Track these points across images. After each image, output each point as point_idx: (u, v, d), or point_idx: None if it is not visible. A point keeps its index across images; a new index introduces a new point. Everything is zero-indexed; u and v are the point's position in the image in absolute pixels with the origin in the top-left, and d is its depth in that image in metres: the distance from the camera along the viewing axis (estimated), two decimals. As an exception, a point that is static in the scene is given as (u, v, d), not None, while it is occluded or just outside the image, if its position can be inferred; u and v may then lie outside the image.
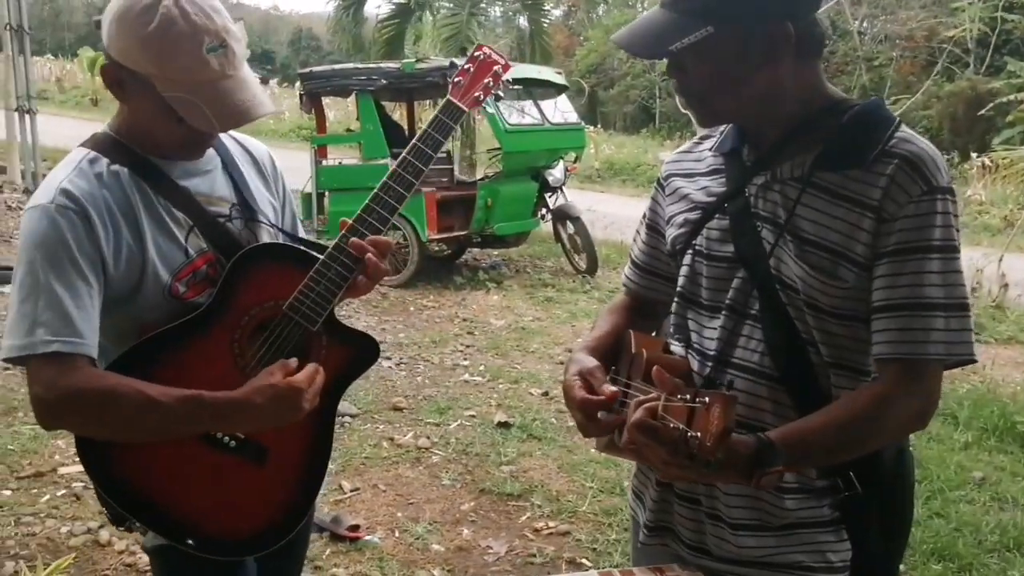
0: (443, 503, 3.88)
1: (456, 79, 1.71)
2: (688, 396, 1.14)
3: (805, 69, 1.37)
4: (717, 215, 1.46)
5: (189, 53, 1.43)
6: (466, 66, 1.71)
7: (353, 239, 1.61)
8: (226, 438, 1.60)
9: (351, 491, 3.92)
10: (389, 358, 5.93)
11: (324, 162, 8.79)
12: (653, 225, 1.64)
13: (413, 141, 1.65)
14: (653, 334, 1.67)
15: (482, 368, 5.86)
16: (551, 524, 3.71)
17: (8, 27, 10.40)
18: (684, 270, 1.52)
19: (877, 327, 1.31)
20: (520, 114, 8.64)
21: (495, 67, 1.71)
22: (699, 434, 1.10)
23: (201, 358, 1.57)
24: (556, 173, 8.78)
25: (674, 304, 1.56)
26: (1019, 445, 4.80)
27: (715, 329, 1.45)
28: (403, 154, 1.65)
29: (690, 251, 1.50)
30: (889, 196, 1.29)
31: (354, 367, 1.71)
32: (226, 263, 1.60)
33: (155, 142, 1.56)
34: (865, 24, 25.21)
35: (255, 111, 1.51)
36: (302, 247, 1.71)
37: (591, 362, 1.47)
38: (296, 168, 10.50)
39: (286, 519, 1.69)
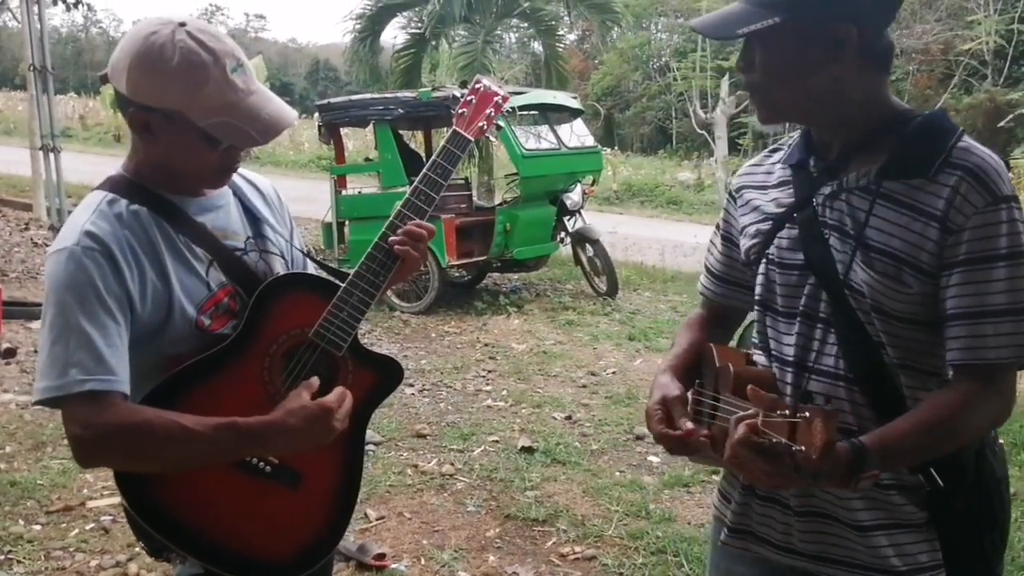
0: (468, 530, 3.87)
1: (460, 111, 1.76)
2: (788, 412, 1.21)
3: (869, 79, 1.43)
4: (787, 225, 1.52)
5: (217, 78, 1.48)
6: (468, 97, 1.77)
7: (393, 238, 1.66)
8: (261, 463, 1.62)
9: (376, 519, 3.92)
10: (411, 385, 5.94)
11: (344, 192, 8.88)
12: (727, 236, 1.71)
13: (424, 171, 1.71)
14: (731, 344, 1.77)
15: (504, 393, 5.86)
16: (577, 549, 3.69)
17: (32, 67, 10.60)
18: (760, 279, 1.58)
19: (949, 335, 1.37)
20: (537, 139, 8.69)
21: (495, 98, 1.78)
22: (803, 448, 1.16)
23: (232, 388, 1.60)
24: (574, 196, 8.80)
25: (755, 312, 1.62)
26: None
27: (792, 335, 1.51)
28: (415, 183, 1.71)
29: (764, 260, 1.56)
30: (954, 207, 1.34)
31: (380, 390, 1.75)
32: (244, 294, 1.64)
33: (187, 175, 1.60)
34: (880, 39, 25.13)
35: (287, 119, 1.57)
36: (323, 276, 1.75)
37: (673, 390, 1.52)
38: (315, 198, 10.62)
39: (320, 543, 1.71)
